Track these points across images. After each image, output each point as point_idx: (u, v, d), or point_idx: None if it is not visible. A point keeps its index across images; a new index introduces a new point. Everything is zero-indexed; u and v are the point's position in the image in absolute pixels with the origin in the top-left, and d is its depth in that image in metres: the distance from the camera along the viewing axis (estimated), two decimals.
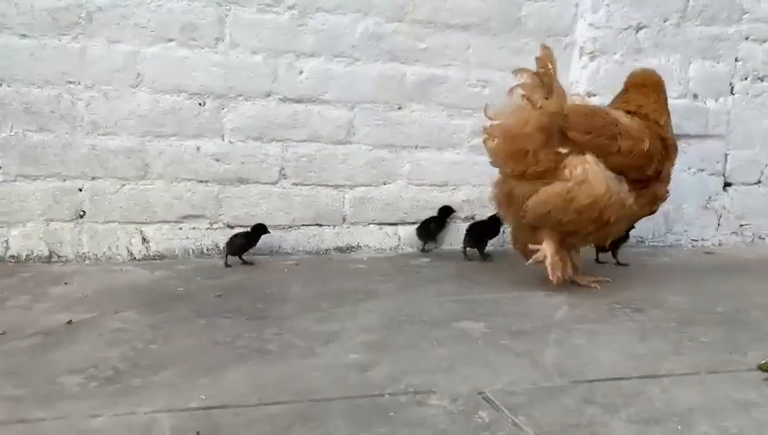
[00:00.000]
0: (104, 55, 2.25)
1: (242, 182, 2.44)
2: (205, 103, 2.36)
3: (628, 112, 2.08)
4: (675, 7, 2.76)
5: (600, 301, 1.95)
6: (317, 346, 1.50)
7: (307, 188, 2.51)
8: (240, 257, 2.32)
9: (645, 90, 2.15)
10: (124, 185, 2.33)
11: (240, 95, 2.39)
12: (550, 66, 1.94)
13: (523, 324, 1.69)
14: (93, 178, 2.30)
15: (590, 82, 2.70)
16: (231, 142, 2.41)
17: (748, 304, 1.93)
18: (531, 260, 2.01)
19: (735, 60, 2.90)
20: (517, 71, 1.96)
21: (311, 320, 1.70)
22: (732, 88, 2.91)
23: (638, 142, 1.98)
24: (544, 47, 1.98)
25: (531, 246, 2.02)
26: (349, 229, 2.58)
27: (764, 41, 2.93)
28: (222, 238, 2.40)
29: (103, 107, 2.28)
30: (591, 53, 2.69)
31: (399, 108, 2.57)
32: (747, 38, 2.91)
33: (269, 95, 2.42)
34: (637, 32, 2.73)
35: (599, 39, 2.68)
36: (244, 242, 2.31)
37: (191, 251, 2.41)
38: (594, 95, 2.70)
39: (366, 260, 2.46)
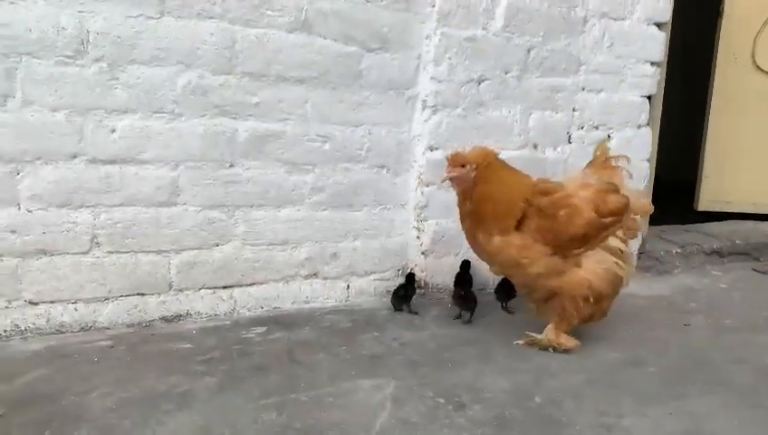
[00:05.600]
0: None
1: (45, 254, 2.16)
2: None
3: None
4: (516, 59, 2.77)
5: (426, 392, 1.92)
6: None
7: (125, 255, 2.27)
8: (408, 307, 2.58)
9: None
10: None
11: (38, 158, 2.09)
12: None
13: None
14: None
15: (431, 135, 2.65)
16: (29, 211, 2.11)
17: (566, 385, 1.99)
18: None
19: (573, 110, 2.99)
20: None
21: None
22: (569, 137, 3.00)
23: None
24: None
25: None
26: (176, 296, 2.38)
27: (599, 91, 3.03)
28: (21, 318, 2.14)
29: None
30: (434, 106, 2.63)
31: (231, 165, 2.38)
32: (584, 89, 2.99)
33: (75, 157, 2.14)
34: (479, 84, 2.71)
35: (440, 92, 2.63)
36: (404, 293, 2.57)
37: None
38: (436, 148, 2.67)
39: (193, 335, 2.27)
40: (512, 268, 2.20)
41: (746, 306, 2.84)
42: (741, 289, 3.09)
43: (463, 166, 2.17)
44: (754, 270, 3.41)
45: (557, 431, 1.72)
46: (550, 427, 1.74)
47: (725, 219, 4.03)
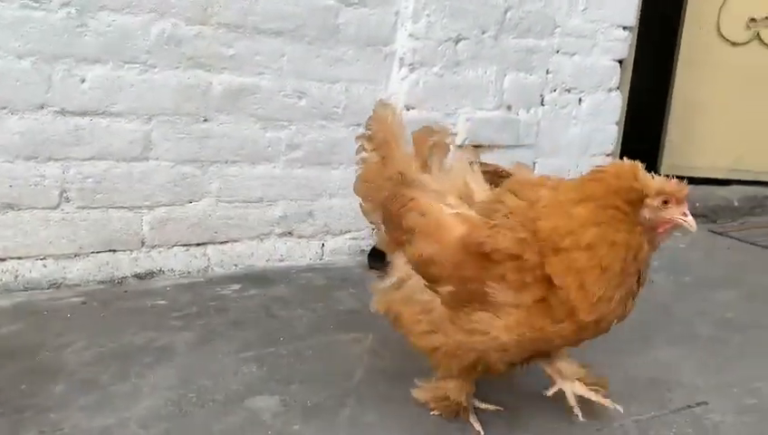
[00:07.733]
0: None
1: (12, 209, 2.09)
2: None
3: None
4: (493, 19, 2.76)
5: (405, 344, 1.95)
6: None
7: (96, 211, 2.22)
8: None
9: None
10: None
11: (3, 108, 2.00)
12: None
13: (320, 394, 1.64)
14: None
15: (408, 94, 2.63)
16: None
17: None
18: None
19: (547, 72, 3.01)
20: None
21: (83, 408, 1.51)
22: (542, 99, 3.02)
23: None
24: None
25: None
26: (149, 253, 2.34)
27: (573, 54, 3.05)
28: None
29: None
30: (411, 64, 2.61)
31: (205, 120, 2.33)
32: (558, 51, 3.01)
33: (42, 107, 2.06)
34: (456, 43, 2.70)
35: (418, 50, 2.61)
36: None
37: None
38: (413, 108, 2.66)
39: (167, 291, 2.25)
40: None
41: (704, 265, 2.96)
42: (699, 249, 3.21)
43: None
44: (711, 231, 3.54)
45: (532, 381, 1.78)
46: (525, 377, 1.80)
47: (688, 184, 4.15)
